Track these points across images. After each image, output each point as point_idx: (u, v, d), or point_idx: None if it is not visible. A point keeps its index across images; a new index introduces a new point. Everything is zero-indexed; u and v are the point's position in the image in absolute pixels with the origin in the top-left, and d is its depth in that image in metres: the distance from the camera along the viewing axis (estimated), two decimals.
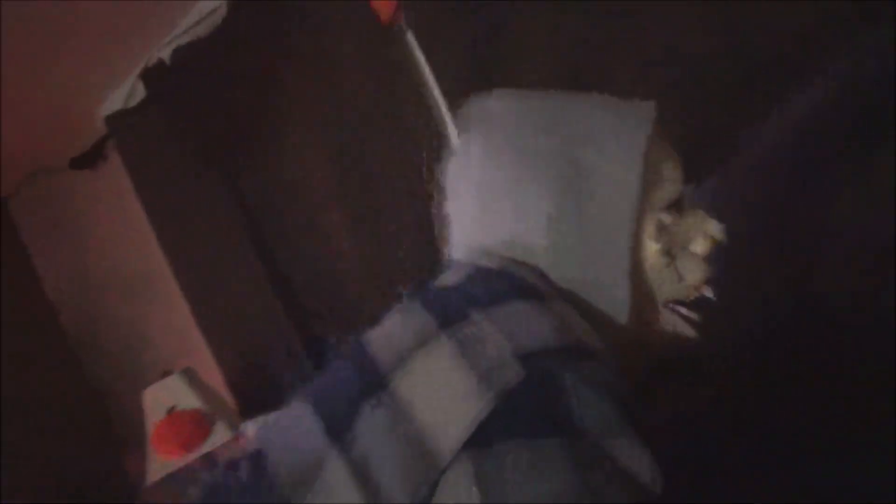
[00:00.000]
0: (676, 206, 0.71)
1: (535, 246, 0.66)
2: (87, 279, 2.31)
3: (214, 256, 2.17)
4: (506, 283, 0.63)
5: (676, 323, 0.70)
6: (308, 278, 2.07)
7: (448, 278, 0.67)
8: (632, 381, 0.61)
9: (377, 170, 1.85)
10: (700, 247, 0.71)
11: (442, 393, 0.55)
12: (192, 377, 2.09)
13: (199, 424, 2.07)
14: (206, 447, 2.05)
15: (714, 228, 0.71)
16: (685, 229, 0.71)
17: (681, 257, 0.70)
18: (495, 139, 0.69)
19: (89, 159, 2.39)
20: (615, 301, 0.66)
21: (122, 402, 2.11)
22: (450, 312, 0.60)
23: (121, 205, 2.44)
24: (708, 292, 0.72)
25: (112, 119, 2.31)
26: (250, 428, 2.04)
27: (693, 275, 0.71)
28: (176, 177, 2.27)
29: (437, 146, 1.61)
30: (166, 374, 2.09)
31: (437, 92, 1.63)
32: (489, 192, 0.69)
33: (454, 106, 1.60)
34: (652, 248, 0.69)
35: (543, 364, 0.55)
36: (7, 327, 2.11)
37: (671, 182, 0.71)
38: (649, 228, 0.69)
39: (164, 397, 2.04)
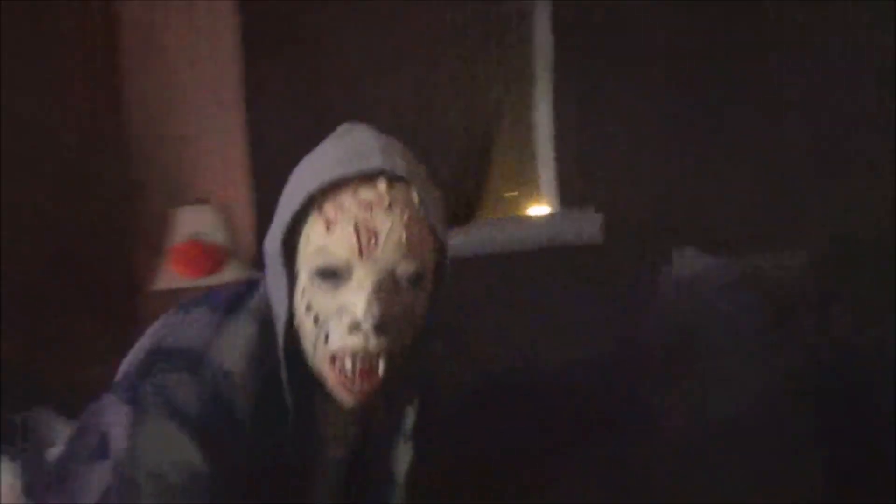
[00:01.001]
0: (340, 277, 0.74)
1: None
2: (166, 83, 2.30)
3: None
4: (227, 297, 0.83)
5: (334, 385, 0.76)
6: None
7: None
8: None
9: None
10: (344, 319, 0.74)
11: None
12: (224, 213, 2.15)
13: (215, 257, 2.14)
14: (215, 279, 2.13)
15: (358, 311, 0.72)
16: (338, 299, 0.74)
17: (328, 322, 0.74)
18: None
19: None
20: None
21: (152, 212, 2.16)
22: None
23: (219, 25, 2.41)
24: (347, 362, 0.74)
25: None
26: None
27: (334, 342, 0.74)
28: None
29: None
30: (201, 201, 2.14)
31: None
32: None
33: None
34: (301, 306, 0.76)
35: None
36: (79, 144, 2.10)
37: (319, 250, 0.74)
38: (305, 285, 0.75)
39: (192, 222, 2.10)
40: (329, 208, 0.74)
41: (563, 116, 2.48)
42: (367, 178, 0.74)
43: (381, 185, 0.74)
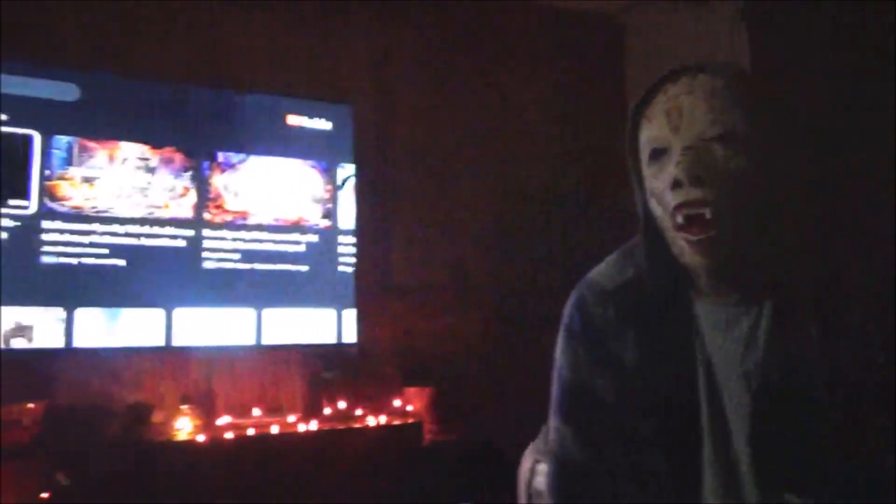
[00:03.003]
0: (663, 154, 0.91)
1: None
2: None
3: None
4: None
5: (684, 247, 0.90)
6: None
7: None
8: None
9: None
10: (669, 184, 0.88)
11: None
12: None
13: None
14: None
15: (674, 171, 0.87)
16: (665, 173, 0.90)
17: (664, 196, 0.90)
18: None
19: None
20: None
21: None
22: None
23: (722, 40, 2.49)
24: (680, 218, 0.88)
25: None
26: None
27: (668, 206, 0.89)
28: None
29: None
30: None
31: None
32: None
33: None
34: (650, 200, 0.94)
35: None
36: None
37: (646, 142, 0.92)
38: (647, 179, 0.93)
39: None
40: (649, 110, 0.93)
41: None
42: (674, 81, 0.92)
43: (683, 78, 0.91)
